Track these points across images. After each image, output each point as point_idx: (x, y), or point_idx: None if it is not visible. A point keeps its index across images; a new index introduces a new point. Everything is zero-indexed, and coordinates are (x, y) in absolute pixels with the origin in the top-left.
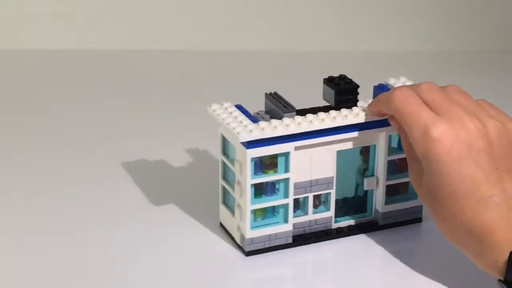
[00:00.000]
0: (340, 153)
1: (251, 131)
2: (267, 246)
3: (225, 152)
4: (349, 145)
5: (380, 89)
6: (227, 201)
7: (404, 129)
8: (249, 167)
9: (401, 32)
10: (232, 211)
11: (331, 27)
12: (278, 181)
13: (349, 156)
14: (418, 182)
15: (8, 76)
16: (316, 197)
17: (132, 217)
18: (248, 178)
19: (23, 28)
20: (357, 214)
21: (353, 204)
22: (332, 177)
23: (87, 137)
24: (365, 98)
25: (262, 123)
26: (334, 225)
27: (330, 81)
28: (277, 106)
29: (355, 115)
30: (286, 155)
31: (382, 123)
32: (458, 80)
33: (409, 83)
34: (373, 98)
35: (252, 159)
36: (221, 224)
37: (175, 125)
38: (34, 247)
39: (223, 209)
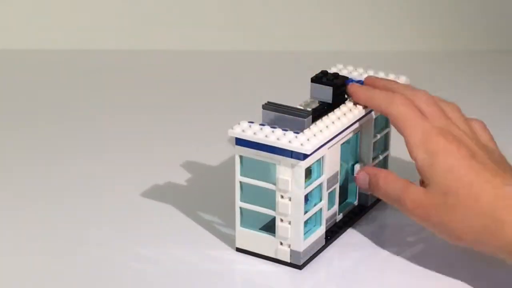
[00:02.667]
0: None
1: (308, 140)
2: (313, 253)
3: (244, 173)
4: (345, 138)
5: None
6: (250, 222)
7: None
8: (303, 179)
9: (401, 32)
10: (265, 231)
11: (331, 27)
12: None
13: (343, 149)
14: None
15: (8, 76)
16: None
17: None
18: (302, 190)
19: (23, 28)
20: (343, 202)
21: (340, 194)
22: (338, 171)
23: (87, 137)
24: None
25: (307, 132)
26: (338, 217)
27: (319, 79)
28: (289, 113)
29: (358, 107)
30: (321, 159)
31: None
32: (459, 80)
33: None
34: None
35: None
36: (238, 249)
37: (176, 125)
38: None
39: (245, 232)
